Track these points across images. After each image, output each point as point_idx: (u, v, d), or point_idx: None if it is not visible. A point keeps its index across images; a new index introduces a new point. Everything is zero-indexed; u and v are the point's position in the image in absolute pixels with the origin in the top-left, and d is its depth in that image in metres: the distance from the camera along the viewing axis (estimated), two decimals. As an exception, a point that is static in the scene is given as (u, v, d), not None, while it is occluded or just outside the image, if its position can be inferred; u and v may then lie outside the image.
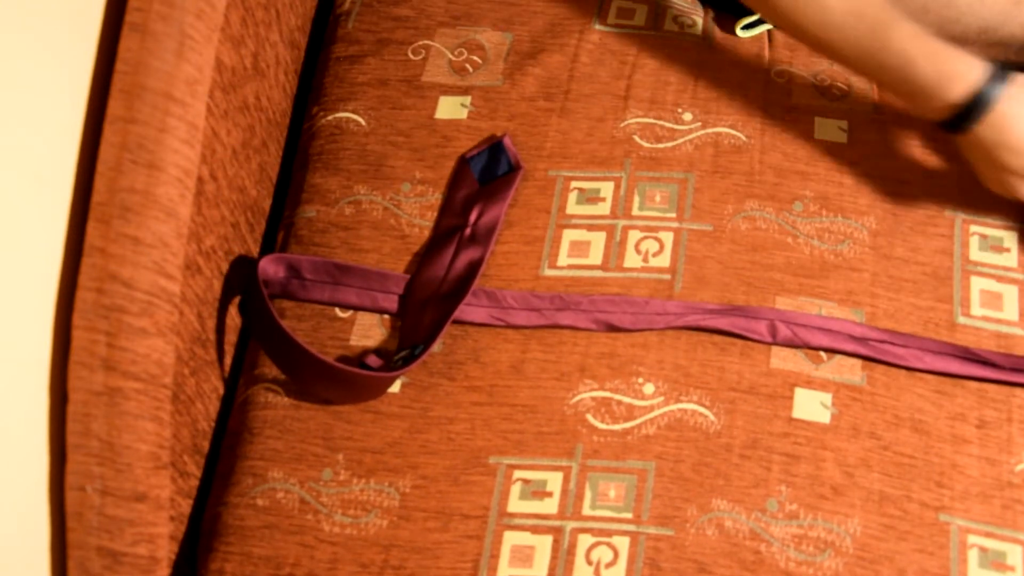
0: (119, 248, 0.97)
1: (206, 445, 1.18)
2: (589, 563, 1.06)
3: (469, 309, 1.19)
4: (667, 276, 1.20)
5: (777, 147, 1.28)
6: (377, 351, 1.18)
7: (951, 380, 1.14)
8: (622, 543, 1.07)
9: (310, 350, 1.11)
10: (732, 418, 1.13)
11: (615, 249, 1.22)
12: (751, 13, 1.35)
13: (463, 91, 1.33)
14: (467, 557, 1.07)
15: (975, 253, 1.21)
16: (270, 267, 1.21)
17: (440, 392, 1.16)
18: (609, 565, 1.06)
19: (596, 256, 1.22)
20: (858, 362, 1.15)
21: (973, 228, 1.23)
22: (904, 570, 1.05)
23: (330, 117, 1.33)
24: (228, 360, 1.22)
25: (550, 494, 1.10)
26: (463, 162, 1.27)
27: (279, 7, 1.31)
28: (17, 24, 0.91)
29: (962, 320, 1.18)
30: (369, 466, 1.12)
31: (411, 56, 1.37)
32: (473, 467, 1.11)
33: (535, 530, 1.08)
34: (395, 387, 1.16)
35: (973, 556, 1.06)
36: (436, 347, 1.17)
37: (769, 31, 1.37)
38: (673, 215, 1.24)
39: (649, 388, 1.14)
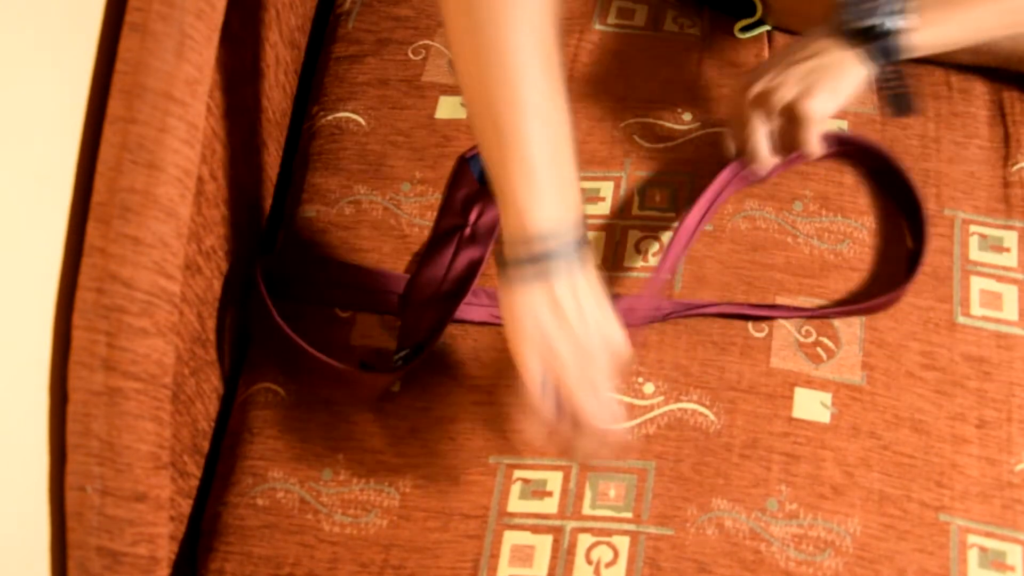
0: (119, 248, 0.97)
1: (206, 445, 1.18)
2: (589, 563, 1.06)
3: (469, 309, 1.19)
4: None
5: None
6: (377, 351, 1.18)
7: (950, 380, 1.15)
8: (622, 543, 1.07)
9: (310, 350, 1.11)
10: (732, 417, 1.13)
11: (615, 249, 1.22)
12: (749, 15, 1.35)
13: (463, 91, 1.33)
14: (467, 557, 1.07)
15: (975, 253, 1.21)
16: (270, 267, 1.21)
17: (440, 392, 1.16)
18: (609, 565, 1.06)
19: (596, 256, 1.22)
20: (858, 362, 1.15)
21: (973, 228, 1.23)
22: (904, 570, 1.05)
23: (330, 117, 1.33)
24: (228, 360, 1.22)
25: (550, 494, 1.10)
26: (462, 162, 1.27)
27: (279, 7, 1.31)
28: (17, 24, 0.90)
29: (962, 320, 1.18)
30: (369, 466, 1.12)
31: (411, 56, 1.37)
32: (473, 467, 1.11)
33: (535, 530, 1.08)
34: (395, 387, 1.16)
35: (973, 556, 1.06)
36: (436, 347, 1.17)
37: (768, 32, 1.37)
38: (673, 215, 1.24)
39: (649, 388, 1.15)
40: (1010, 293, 1.19)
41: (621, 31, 1.37)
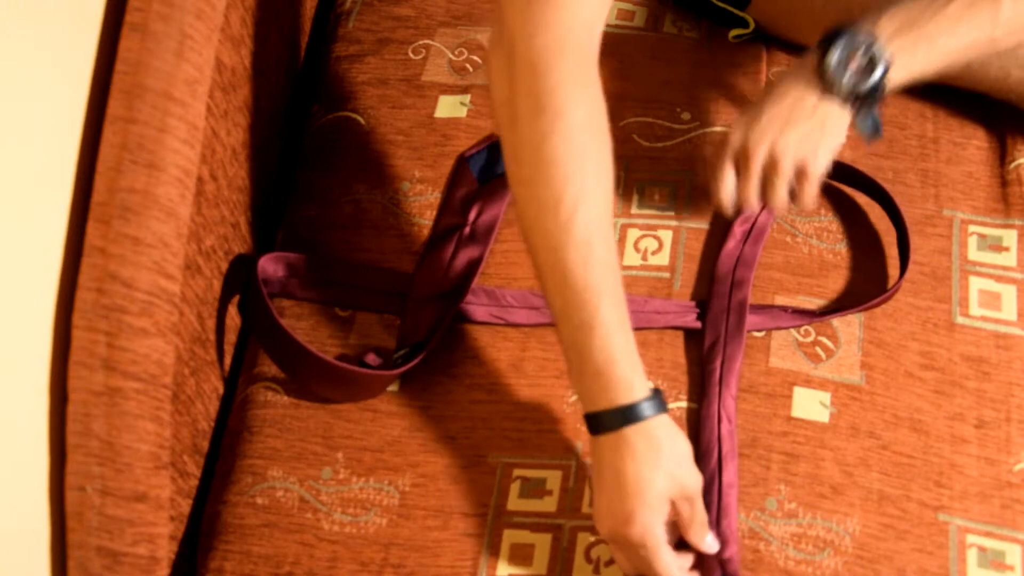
0: (119, 248, 0.97)
1: (206, 445, 1.18)
2: (588, 561, 1.06)
3: (468, 308, 1.19)
4: (666, 274, 1.20)
5: (776, 146, 1.28)
6: (376, 350, 1.18)
7: (949, 380, 1.15)
8: (621, 542, 1.07)
9: (310, 349, 1.12)
10: (731, 417, 1.13)
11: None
12: (743, 26, 1.36)
13: (463, 90, 1.33)
14: (467, 555, 1.07)
15: (973, 253, 1.21)
16: (269, 266, 1.21)
17: (440, 391, 1.16)
18: (609, 563, 1.06)
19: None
20: (857, 361, 1.15)
21: (972, 228, 1.23)
22: (903, 569, 1.05)
23: (330, 116, 1.33)
24: (228, 360, 1.22)
25: (549, 492, 1.10)
26: (462, 161, 1.27)
27: (279, 7, 1.31)
28: (17, 24, 0.90)
29: (960, 320, 1.18)
30: (369, 464, 1.12)
31: (411, 55, 1.37)
32: (473, 465, 1.12)
33: (535, 528, 1.08)
34: (394, 386, 1.16)
35: (972, 555, 1.06)
36: (435, 346, 1.17)
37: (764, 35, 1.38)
38: (672, 214, 1.24)
39: (648, 387, 1.15)
40: (1009, 293, 1.19)
41: (621, 32, 1.37)
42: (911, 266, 1.20)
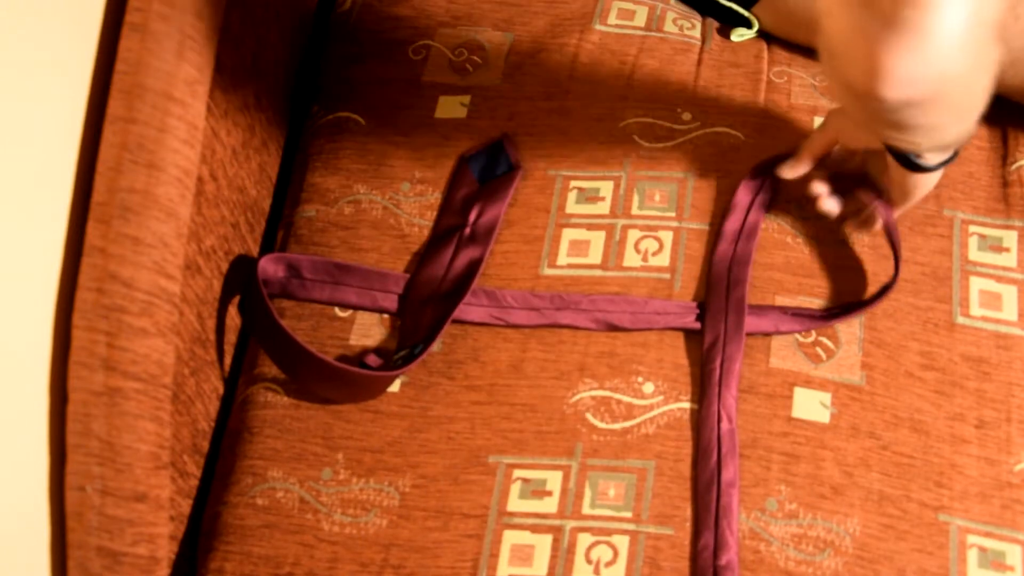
0: (119, 248, 0.97)
1: (206, 445, 1.18)
2: (589, 562, 1.06)
3: (468, 308, 1.19)
4: (667, 275, 1.20)
5: (776, 147, 1.28)
6: (376, 350, 1.18)
7: (949, 380, 1.15)
8: (622, 542, 1.07)
9: (310, 349, 1.11)
10: (731, 418, 1.13)
11: (615, 248, 1.22)
12: (745, 25, 1.36)
13: (463, 90, 1.33)
14: (467, 556, 1.07)
15: (974, 253, 1.21)
16: (269, 266, 1.21)
17: (440, 391, 1.16)
18: (609, 564, 1.06)
19: (596, 255, 1.22)
20: (857, 361, 1.15)
21: (972, 228, 1.23)
22: (903, 570, 1.05)
23: (330, 116, 1.33)
24: (228, 360, 1.22)
25: (550, 493, 1.10)
26: (462, 161, 1.27)
27: (279, 7, 1.31)
28: (17, 25, 0.91)
29: (961, 320, 1.18)
30: (369, 465, 1.12)
31: (411, 56, 1.37)
32: (473, 466, 1.12)
33: (535, 529, 1.08)
34: (395, 386, 1.16)
35: (972, 556, 1.06)
36: (435, 346, 1.17)
37: (766, 35, 1.37)
38: (672, 214, 1.24)
39: (649, 387, 1.15)
40: (1009, 293, 1.19)
41: (621, 31, 1.37)
42: (911, 266, 1.20)
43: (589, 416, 1.13)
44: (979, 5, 0.79)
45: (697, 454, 1.07)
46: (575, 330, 1.18)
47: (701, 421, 1.11)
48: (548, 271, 1.21)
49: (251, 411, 1.17)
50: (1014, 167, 1.26)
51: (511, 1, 1.40)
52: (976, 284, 1.19)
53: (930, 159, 1.07)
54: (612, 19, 1.38)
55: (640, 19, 1.38)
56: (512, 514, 1.09)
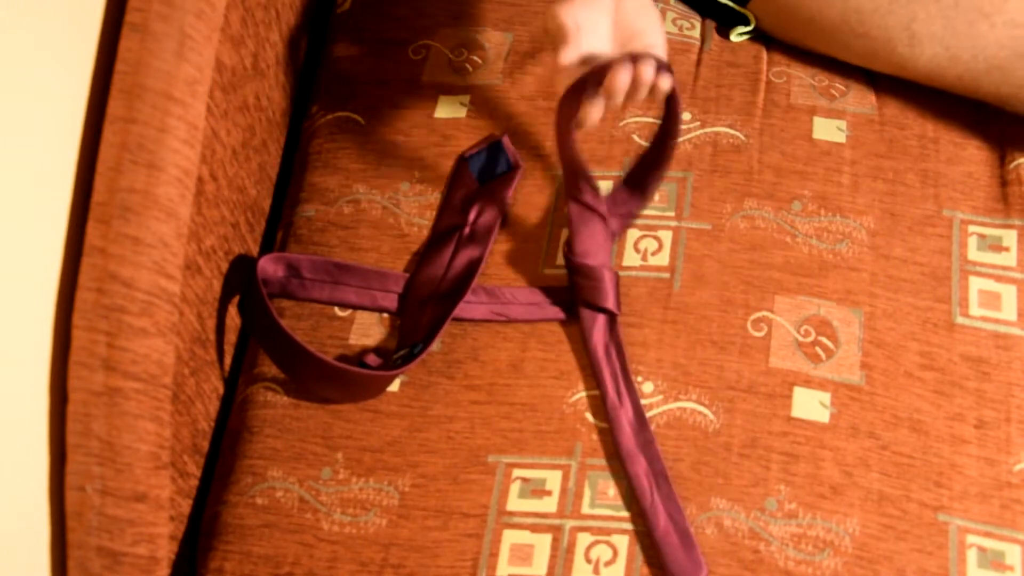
0: (119, 248, 0.97)
1: (206, 445, 1.18)
2: (588, 561, 1.06)
3: (468, 307, 1.19)
4: (666, 275, 1.20)
5: (776, 147, 1.28)
6: (376, 350, 1.18)
7: (949, 380, 1.15)
8: (621, 541, 1.07)
9: (309, 349, 1.12)
10: (731, 417, 1.13)
11: (614, 247, 1.22)
12: (744, 23, 1.36)
13: (463, 90, 1.33)
14: (466, 556, 1.07)
15: (973, 253, 1.21)
16: (269, 266, 1.21)
17: (439, 391, 1.16)
18: (608, 563, 1.06)
19: (595, 254, 1.22)
20: (857, 361, 1.15)
21: (972, 228, 1.23)
22: (903, 569, 1.05)
23: (329, 116, 1.33)
24: (228, 360, 1.22)
25: (549, 492, 1.10)
26: (461, 161, 1.27)
27: (279, 7, 1.31)
28: (17, 24, 0.91)
29: (960, 320, 1.18)
30: (368, 465, 1.12)
31: (411, 56, 1.37)
32: (472, 466, 1.12)
33: (534, 528, 1.08)
34: (394, 386, 1.16)
35: (972, 556, 1.06)
36: (435, 346, 1.17)
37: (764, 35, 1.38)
38: (672, 214, 1.24)
39: (648, 387, 1.15)
40: (1009, 293, 1.19)
41: (621, 31, 1.37)
42: (911, 266, 1.20)
43: (588, 415, 1.13)
44: None
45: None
46: (574, 329, 1.18)
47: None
48: (547, 271, 1.21)
49: (251, 411, 1.17)
50: (1012, 166, 1.26)
51: (511, 1, 1.40)
52: (975, 284, 1.20)
53: None
54: (612, 19, 1.38)
55: (640, 19, 1.38)
56: (512, 513, 1.09)
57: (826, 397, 1.13)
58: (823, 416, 1.13)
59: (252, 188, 1.27)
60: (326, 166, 1.30)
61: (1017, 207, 1.24)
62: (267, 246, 1.32)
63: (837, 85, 1.32)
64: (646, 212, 1.24)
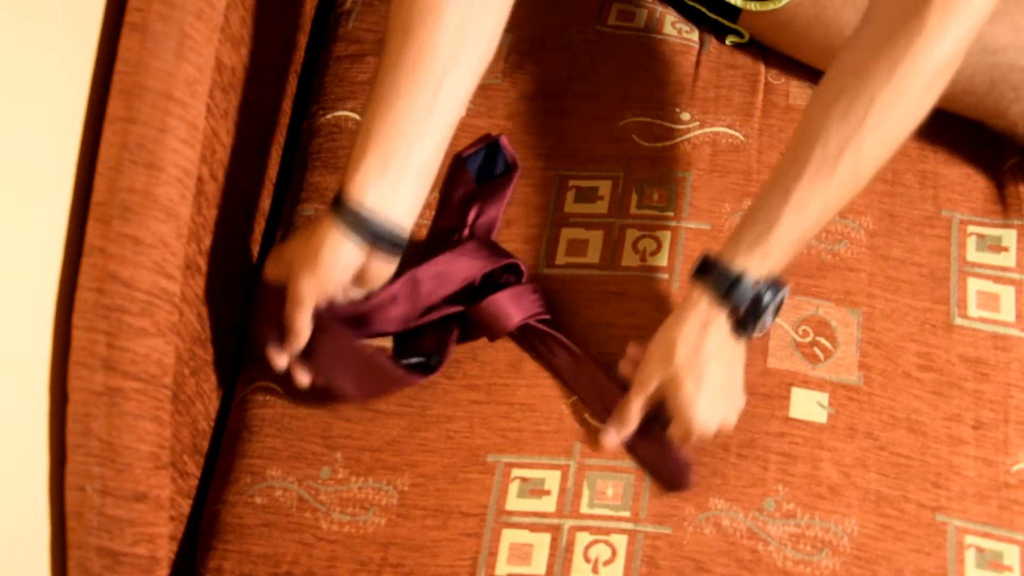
0: (119, 248, 0.97)
1: (206, 445, 1.18)
2: (587, 561, 1.06)
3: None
4: (665, 275, 1.21)
5: (775, 147, 1.28)
6: (375, 350, 1.18)
7: (947, 381, 1.15)
8: (620, 541, 1.07)
9: (356, 343, 1.10)
10: (729, 417, 1.13)
11: (613, 248, 1.22)
12: (738, 35, 1.36)
13: (462, 90, 1.33)
14: (465, 555, 1.07)
15: (972, 254, 1.21)
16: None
17: (438, 390, 1.16)
18: (607, 563, 1.06)
19: (594, 255, 1.22)
20: (855, 362, 1.15)
21: (971, 229, 1.23)
22: (901, 570, 1.05)
23: (329, 116, 1.33)
24: (228, 360, 1.22)
25: (548, 492, 1.10)
26: (459, 161, 1.27)
27: (279, 7, 1.31)
28: (17, 24, 0.91)
29: (959, 321, 1.18)
30: (367, 464, 1.12)
31: (410, 55, 1.36)
32: (471, 465, 1.12)
33: (533, 528, 1.08)
34: (393, 385, 1.16)
35: (970, 556, 1.06)
36: (433, 346, 1.17)
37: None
38: (671, 214, 1.24)
39: (647, 387, 1.15)
40: (1007, 294, 1.19)
41: (621, 32, 1.37)
42: (909, 267, 1.20)
43: (588, 415, 1.13)
44: None
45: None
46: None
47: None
48: (547, 271, 1.22)
49: (250, 410, 1.17)
50: (1010, 166, 1.26)
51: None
52: (974, 285, 1.20)
53: None
54: (612, 20, 1.38)
55: (639, 21, 1.38)
56: (511, 513, 1.09)
57: (824, 397, 1.14)
58: (821, 416, 1.13)
59: (252, 188, 1.27)
60: (326, 166, 1.30)
61: (1016, 208, 1.24)
62: (267, 246, 1.32)
63: (836, 86, 1.32)
64: (645, 212, 1.24)
